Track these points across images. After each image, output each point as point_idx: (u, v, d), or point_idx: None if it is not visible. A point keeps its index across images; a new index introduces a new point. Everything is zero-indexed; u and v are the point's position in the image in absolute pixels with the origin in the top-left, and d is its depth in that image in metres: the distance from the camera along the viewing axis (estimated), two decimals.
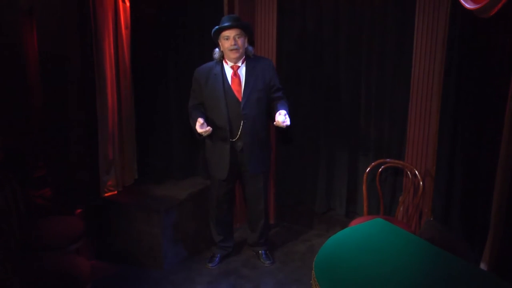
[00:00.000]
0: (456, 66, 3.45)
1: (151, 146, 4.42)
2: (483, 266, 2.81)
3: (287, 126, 3.55)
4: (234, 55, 3.65)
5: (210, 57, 4.39)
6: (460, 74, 3.42)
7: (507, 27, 2.81)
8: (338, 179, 4.47)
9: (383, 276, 2.53)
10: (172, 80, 4.36)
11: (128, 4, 4.01)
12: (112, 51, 3.93)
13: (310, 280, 2.76)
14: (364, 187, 3.94)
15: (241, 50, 3.65)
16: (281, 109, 3.59)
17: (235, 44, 3.60)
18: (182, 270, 4.05)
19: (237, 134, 3.74)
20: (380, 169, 3.93)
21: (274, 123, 3.59)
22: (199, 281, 3.91)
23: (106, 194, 4.12)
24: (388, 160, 4.01)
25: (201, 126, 3.55)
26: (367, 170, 3.93)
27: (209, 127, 3.58)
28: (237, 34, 3.60)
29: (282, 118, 3.51)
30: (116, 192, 4.18)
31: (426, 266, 2.65)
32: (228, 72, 3.73)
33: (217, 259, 4.14)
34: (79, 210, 3.94)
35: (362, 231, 3.04)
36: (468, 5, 2.58)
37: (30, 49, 4.29)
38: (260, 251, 4.19)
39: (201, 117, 3.62)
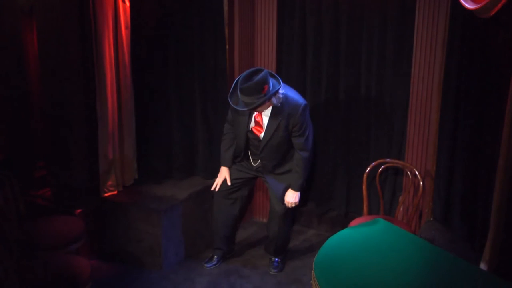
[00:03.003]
0: (456, 66, 3.45)
1: (151, 146, 4.42)
2: (483, 266, 2.81)
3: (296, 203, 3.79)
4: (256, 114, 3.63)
5: (210, 57, 4.40)
6: (460, 74, 3.42)
7: (507, 27, 2.81)
8: (338, 179, 4.46)
9: (383, 276, 2.53)
10: (172, 80, 4.36)
11: (128, 4, 4.01)
12: (112, 51, 3.93)
13: (310, 280, 2.76)
14: (364, 187, 3.93)
15: (262, 110, 3.55)
16: (290, 188, 3.75)
17: (254, 113, 3.61)
18: (182, 270, 4.05)
19: (256, 163, 3.83)
20: (380, 169, 3.92)
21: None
22: (199, 281, 3.90)
23: (106, 194, 4.12)
24: (388, 160, 4.01)
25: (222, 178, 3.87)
26: (367, 170, 3.92)
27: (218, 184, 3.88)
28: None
29: (289, 202, 3.76)
30: (116, 192, 4.18)
31: (426, 266, 2.65)
32: (255, 112, 3.63)
33: (216, 259, 4.12)
34: (79, 210, 3.94)
35: (362, 231, 3.04)
36: (468, 5, 2.58)
37: (30, 49, 4.30)
38: (272, 258, 4.09)
39: (227, 160, 3.87)
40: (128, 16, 4.03)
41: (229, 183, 3.85)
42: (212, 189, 3.92)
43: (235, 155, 3.88)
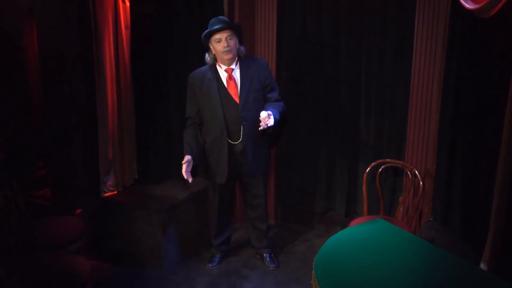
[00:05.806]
0: (456, 66, 3.45)
1: (151, 146, 4.42)
2: (483, 266, 2.81)
3: (270, 127, 3.47)
4: (227, 56, 3.59)
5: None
6: (460, 74, 3.42)
7: (507, 27, 2.81)
8: (338, 179, 4.46)
9: (383, 276, 2.53)
10: (172, 80, 4.36)
11: (128, 4, 4.01)
12: (112, 51, 3.93)
13: (310, 280, 2.76)
14: (364, 187, 3.93)
15: (234, 51, 3.60)
16: (268, 109, 3.55)
17: (227, 46, 3.55)
18: (182, 270, 4.06)
19: (239, 137, 3.69)
20: (380, 169, 3.92)
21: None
22: (199, 281, 3.91)
23: (106, 194, 4.13)
24: (388, 160, 4.01)
25: (186, 167, 3.55)
26: (367, 170, 3.92)
27: (189, 176, 3.57)
28: (228, 36, 3.55)
29: (264, 114, 3.42)
30: (116, 192, 4.18)
31: (426, 266, 2.65)
32: (223, 75, 3.67)
33: (217, 259, 4.13)
34: (79, 210, 3.94)
35: (362, 231, 3.04)
36: (468, 5, 2.59)
37: (30, 49, 4.31)
38: (264, 254, 4.15)
39: (191, 150, 3.63)
40: (128, 16, 4.04)
41: (185, 171, 3.60)
42: (185, 177, 3.64)
43: (218, 153, 3.77)
